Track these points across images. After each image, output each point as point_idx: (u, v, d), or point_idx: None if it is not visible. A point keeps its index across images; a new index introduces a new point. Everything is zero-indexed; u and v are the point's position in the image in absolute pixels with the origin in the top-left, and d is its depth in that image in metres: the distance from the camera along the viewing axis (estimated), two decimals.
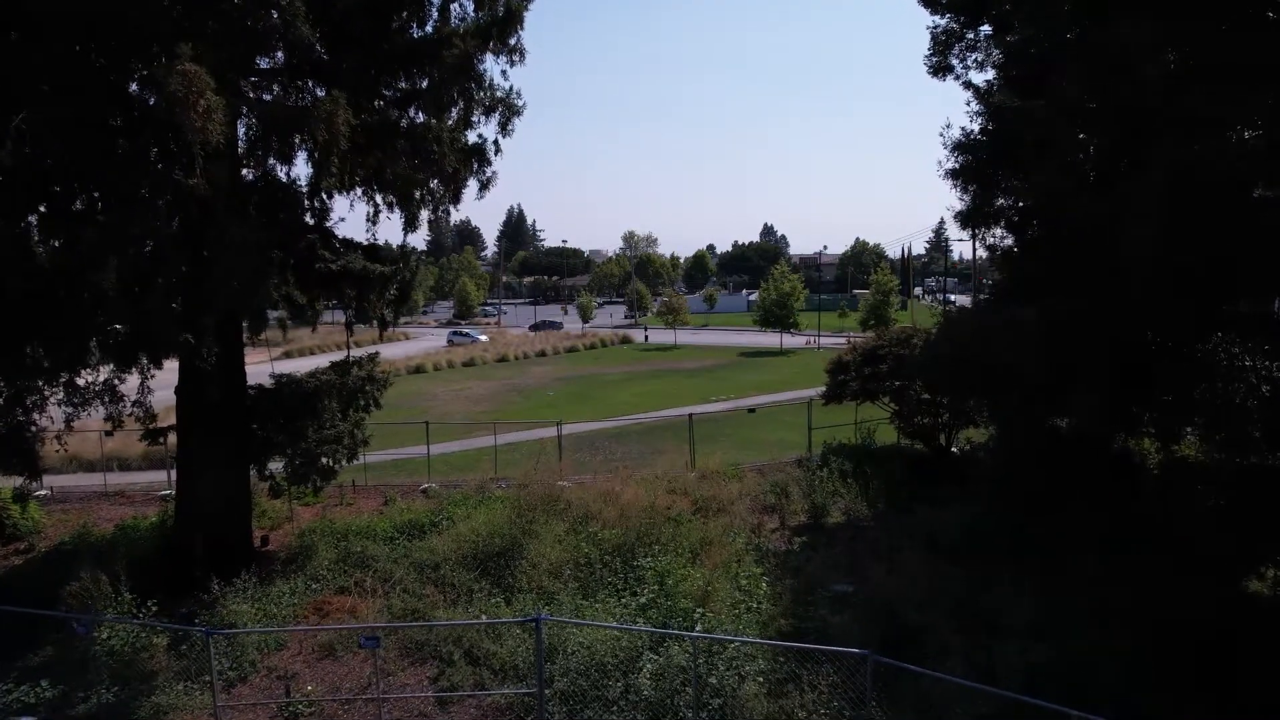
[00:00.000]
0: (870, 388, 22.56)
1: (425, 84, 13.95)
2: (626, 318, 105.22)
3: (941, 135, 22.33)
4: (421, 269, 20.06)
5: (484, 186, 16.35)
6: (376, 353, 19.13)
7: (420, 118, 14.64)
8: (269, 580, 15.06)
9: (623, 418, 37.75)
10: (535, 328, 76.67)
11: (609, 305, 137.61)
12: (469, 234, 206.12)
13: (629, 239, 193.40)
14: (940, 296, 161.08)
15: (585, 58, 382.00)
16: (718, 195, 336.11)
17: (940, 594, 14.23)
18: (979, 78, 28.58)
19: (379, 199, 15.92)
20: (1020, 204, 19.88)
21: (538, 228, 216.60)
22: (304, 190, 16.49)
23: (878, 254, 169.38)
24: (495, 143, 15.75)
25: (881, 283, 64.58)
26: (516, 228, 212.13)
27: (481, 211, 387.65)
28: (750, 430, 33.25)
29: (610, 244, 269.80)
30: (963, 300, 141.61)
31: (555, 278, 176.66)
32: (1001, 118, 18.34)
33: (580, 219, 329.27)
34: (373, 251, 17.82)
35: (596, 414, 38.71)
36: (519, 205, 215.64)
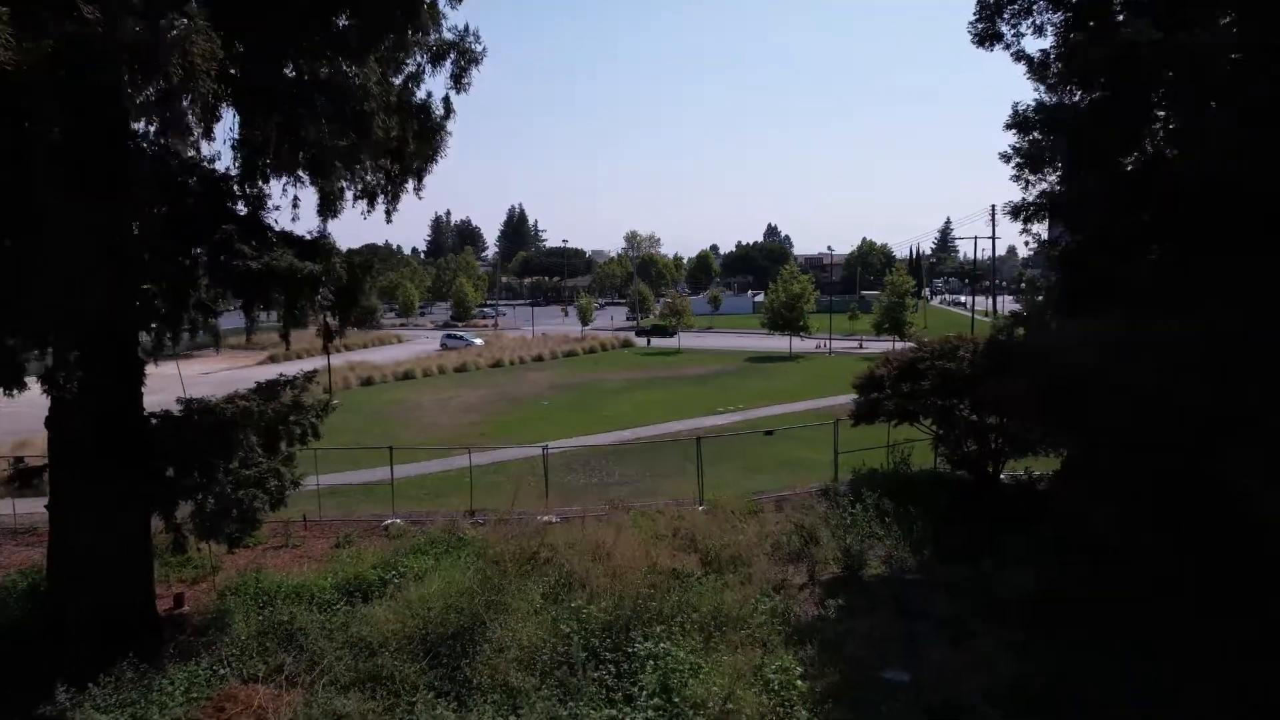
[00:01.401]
0: (909, 407, 19.25)
1: (346, 22, 10.69)
2: (628, 319, 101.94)
3: (1012, 116, 19.37)
4: (378, 268, 16.70)
5: (429, 158, 13.09)
6: (312, 372, 15.85)
7: (353, 71, 11.34)
8: (164, 664, 11.79)
9: (622, 431, 34.51)
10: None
11: (611, 306, 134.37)
12: (469, 234, 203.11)
13: (631, 239, 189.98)
14: (949, 297, 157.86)
15: (587, 58, 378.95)
16: (721, 195, 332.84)
17: (1029, 684, 11.00)
18: (1034, 45, 25.07)
19: (305, 176, 12.66)
20: (1100, 188, 16.67)
21: (539, 228, 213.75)
22: (217, 168, 13.30)
23: (885, 254, 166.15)
24: (446, 101, 12.47)
25: (896, 284, 61.24)
26: (518, 228, 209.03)
27: (482, 211, 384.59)
28: (764, 447, 29.93)
29: (612, 244, 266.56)
30: (968, 301, 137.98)
31: (556, 278, 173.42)
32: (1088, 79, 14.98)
33: (582, 219, 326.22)
34: (312, 248, 14.63)
35: (593, 426, 35.46)
36: (520, 205, 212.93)
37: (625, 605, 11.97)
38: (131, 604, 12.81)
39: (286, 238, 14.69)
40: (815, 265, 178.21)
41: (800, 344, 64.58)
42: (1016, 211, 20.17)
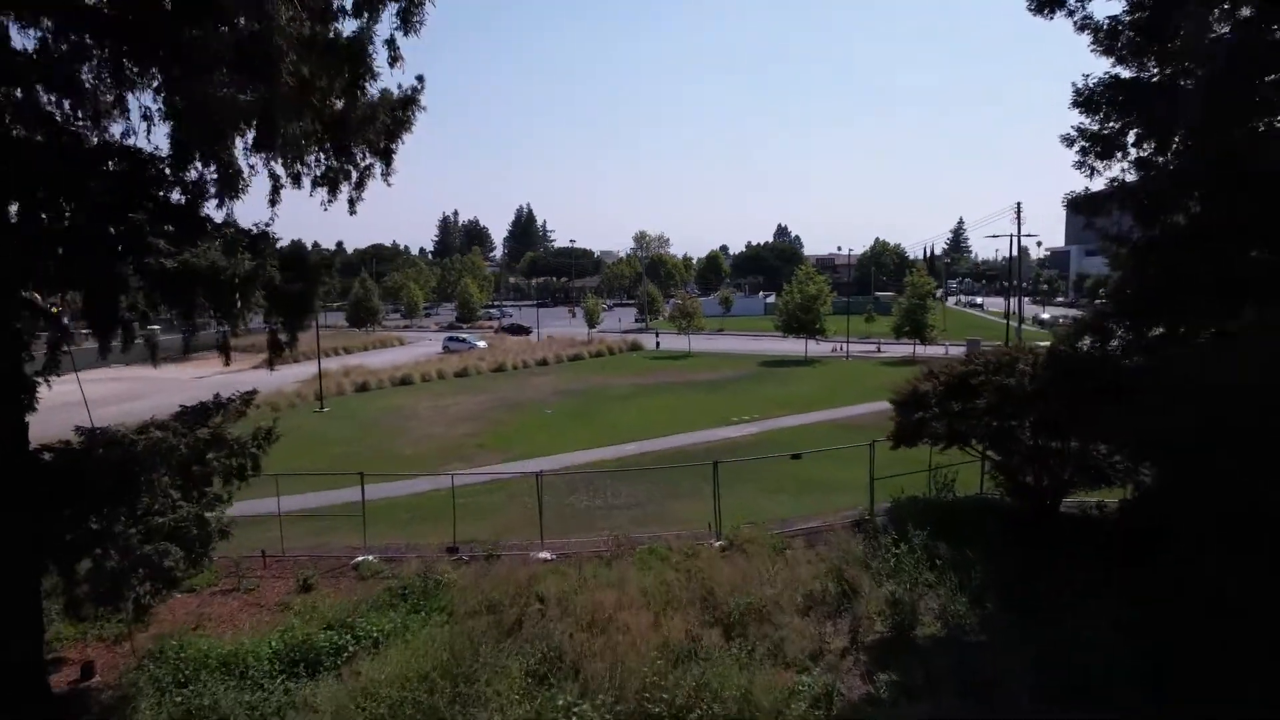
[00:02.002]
0: (959, 429, 16.60)
1: None
2: (637, 320, 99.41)
3: (1077, 94, 16.95)
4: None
5: (392, 134, 10.60)
6: (250, 394, 13.37)
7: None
8: None
9: (629, 444, 31.94)
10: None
11: (619, 308, 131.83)
12: (477, 234, 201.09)
13: (640, 239, 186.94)
14: (964, 298, 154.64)
15: (595, 57, 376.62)
16: (730, 196, 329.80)
17: None
18: (1102, 11, 22.40)
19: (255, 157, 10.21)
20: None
21: (548, 228, 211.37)
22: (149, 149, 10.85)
23: (898, 254, 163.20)
24: (391, 43, 9.94)
25: (917, 285, 58.40)
26: (526, 228, 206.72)
27: (491, 211, 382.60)
28: (786, 464, 27.28)
29: (621, 244, 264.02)
30: (987, 303, 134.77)
31: (564, 279, 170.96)
32: None
33: (591, 219, 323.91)
34: (258, 244, 12.20)
35: (598, 438, 32.89)
36: (528, 205, 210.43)
37: (628, 696, 9.38)
38: (12, 680, 10.31)
39: (240, 232, 12.33)
40: (827, 266, 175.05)
41: (815, 347, 61.88)
42: (1081, 204, 17.57)
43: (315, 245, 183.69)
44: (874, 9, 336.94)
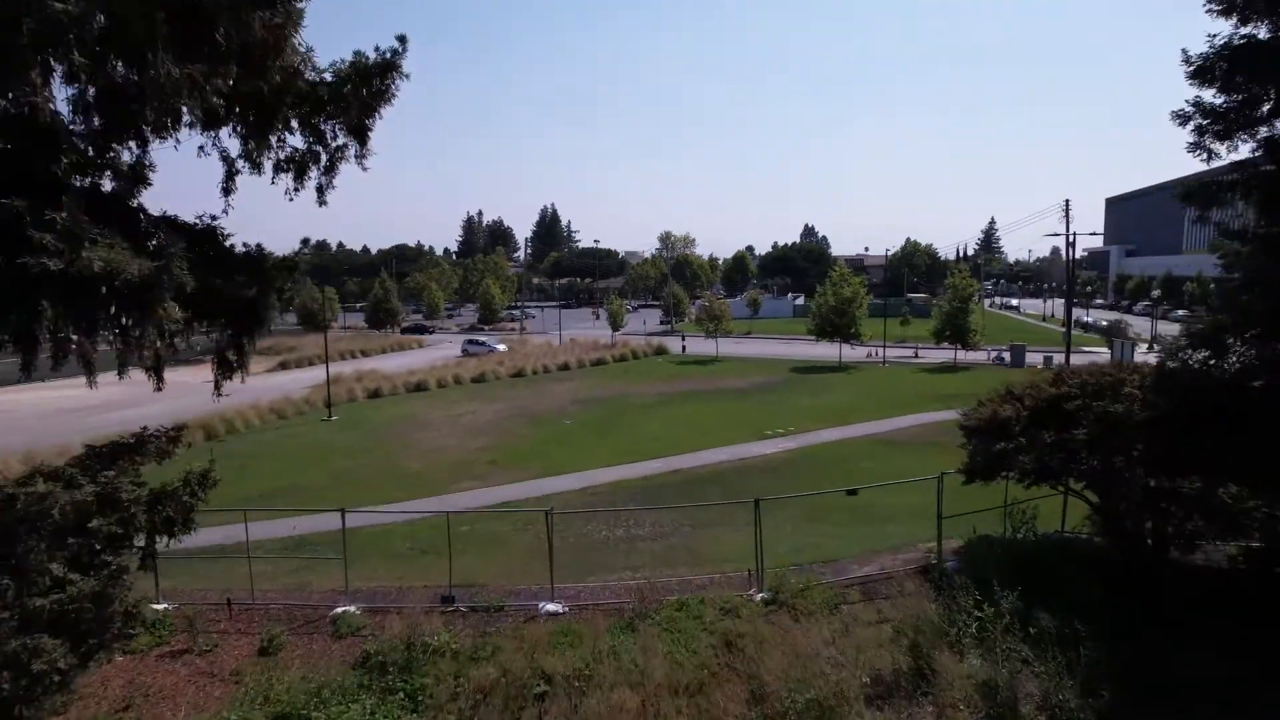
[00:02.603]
0: (1051, 464, 13.80)
1: None
2: (662, 323, 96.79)
3: (1190, 63, 14.18)
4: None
5: (367, 108, 8.19)
6: (178, 431, 10.99)
7: None
8: None
9: (654, 461, 29.32)
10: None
11: (644, 309, 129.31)
12: (501, 234, 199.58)
13: (665, 239, 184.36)
14: (999, 300, 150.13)
15: (618, 59, 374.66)
16: (756, 197, 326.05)
17: None
18: None
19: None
20: None
21: (572, 228, 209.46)
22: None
23: (930, 255, 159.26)
24: None
25: (959, 287, 55.12)
26: (550, 228, 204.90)
27: (516, 212, 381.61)
28: (830, 485, 24.53)
29: (646, 245, 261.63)
30: (1023, 304, 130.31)
31: (588, 280, 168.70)
32: None
33: (615, 220, 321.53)
34: (202, 242, 9.89)
35: (620, 453, 30.32)
36: (553, 205, 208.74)
37: None
38: None
39: (179, 227, 10.06)
40: (856, 266, 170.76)
41: (850, 352, 58.90)
42: (1195, 193, 14.68)
43: (341, 245, 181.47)
44: (897, 7, 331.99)
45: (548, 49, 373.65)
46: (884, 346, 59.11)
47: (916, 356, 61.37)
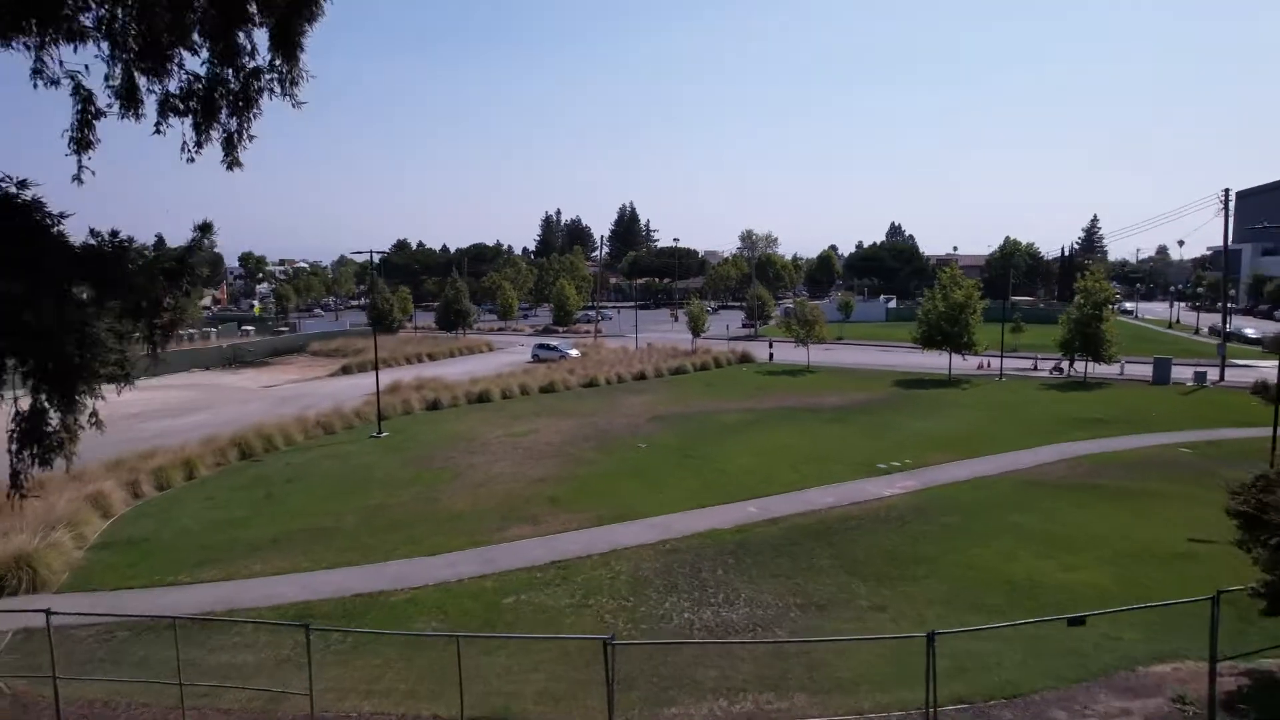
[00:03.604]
0: None
1: None
2: (744, 326, 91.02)
3: None
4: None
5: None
6: None
7: None
8: None
9: (747, 503, 24.21)
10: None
11: (725, 310, 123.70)
12: (579, 233, 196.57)
13: (746, 238, 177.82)
14: (1119, 307, 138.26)
15: (699, 58, 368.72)
16: (839, 194, 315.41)
17: None
18: None
19: None
20: None
21: (650, 227, 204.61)
22: None
23: (1031, 254, 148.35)
24: None
25: (1092, 291, 47.80)
26: (629, 227, 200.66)
27: (594, 210, 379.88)
28: (980, 553, 18.90)
29: (725, 244, 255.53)
30: (1141, 308, 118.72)
31: (667, 280, 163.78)
32: None
33: (694, 219, 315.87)
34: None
35: (704, 491, 25.28)
36: (631, 204, 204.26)
37: None
38: None
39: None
40: (945, 266, 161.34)
41: (958, 363, 52.25)
42: None
43: (420, 245, 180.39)
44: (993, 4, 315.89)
45: (630, 49, 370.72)
46: (1000, 357, 52.22)
47: (1035, 369, 54.28)
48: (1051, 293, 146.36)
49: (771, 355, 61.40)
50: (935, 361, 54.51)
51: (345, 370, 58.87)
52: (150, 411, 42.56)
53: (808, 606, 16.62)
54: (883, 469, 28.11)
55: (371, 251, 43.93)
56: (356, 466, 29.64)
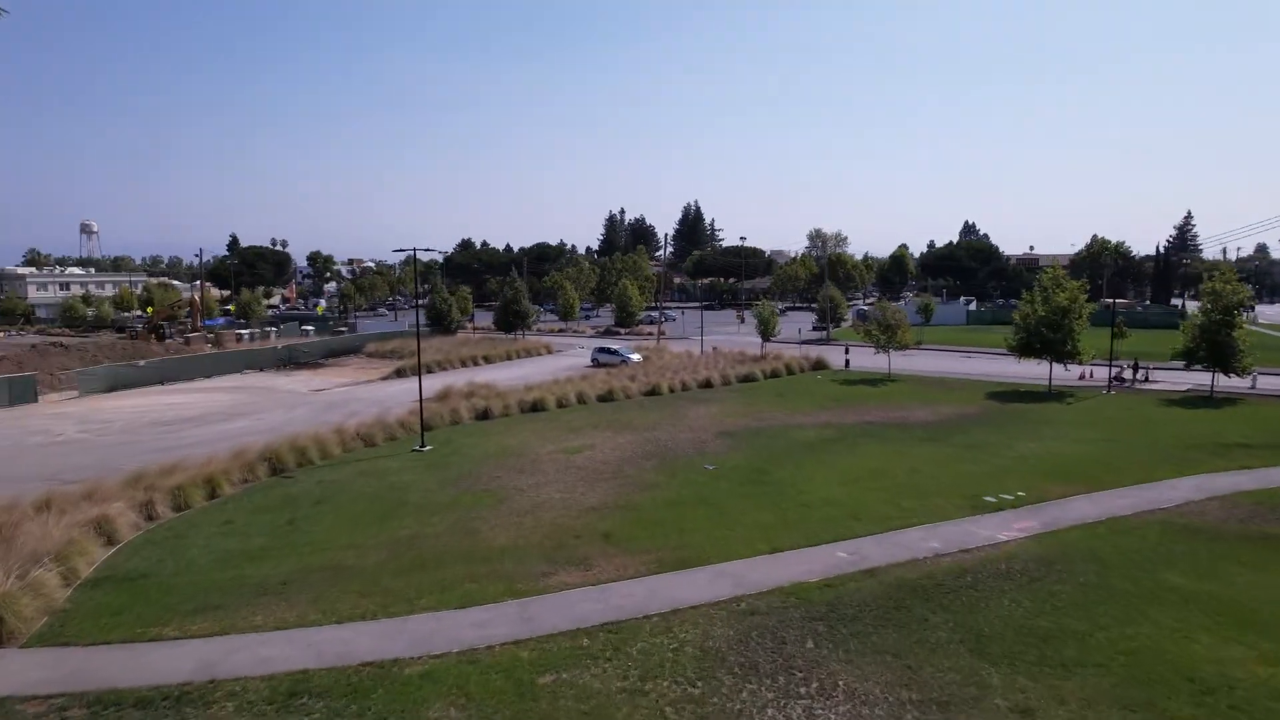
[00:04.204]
0: None
1: None
2: (815, 329, 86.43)
3: None
4: None
5: None
6: None
7: None
8: None
9: (833, 546, 20.42)
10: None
11: (793, 311, 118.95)
12: (643, 232, 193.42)
13: (815, 237, 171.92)
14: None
15: (761, 55, 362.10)
16: (909, 193, 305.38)
17: None
18: None
19: None
20: None
21: (715, 226, 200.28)
22: None
23: (1119, 253, 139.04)
24: None
25: (1222, 294, 42.29)
26: (693, 226, 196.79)
27: (658, 209, 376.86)
28: (1134, 616, 14.80)
29: (791, 243, 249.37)
30: (1260, 311, 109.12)
31: (732, 279, 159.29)
32: None
33: (760, 218, 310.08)
34: None
35: (782, 527, 21.56)
36: (696, 203, 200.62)
37: None
38: None
39: None
40: (1027, 267, 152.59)
41: (1057, 372, 47.10)
42: None
43: (485, 244, 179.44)
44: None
45: (690, 47, 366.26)
46: (1110, 367, 46.87)
47: (1146, 380, 48.73)
48: (1143, 294, 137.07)
49: (848, 362, 56.99)
50: (1028, 371, 49.51)
51: (399, 373, 56.71)
52: (193, 417, 40.80)
53: (926, 705, 12.85)
54: (992, 503, 23.95)
55: (414, 249, 41.20)
56: (392, 486, 26.79)
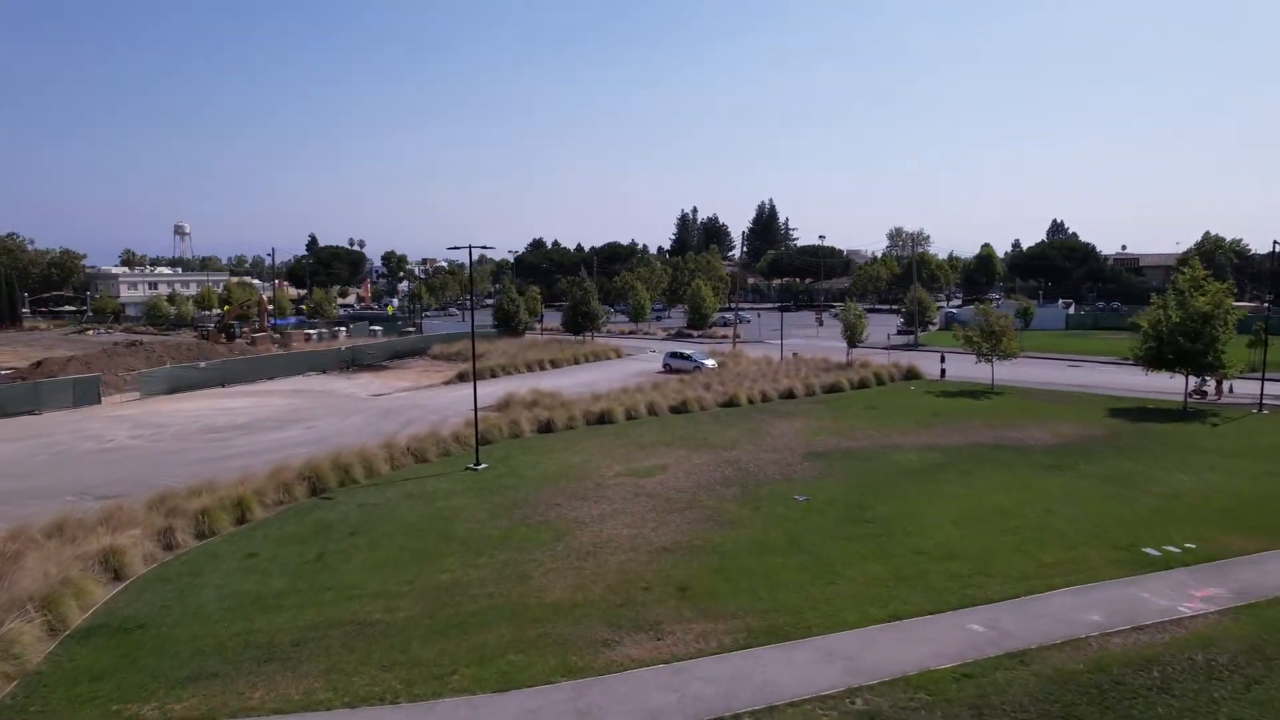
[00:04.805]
0: None
1: None
2: (901, 332, 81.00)
3: None
4: None
5: None
6: None
7: None
8: None
9: (964, 615, 16.36)
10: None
11: (873, 313, 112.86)
12: (715, 231, 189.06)
13: (895, 236, 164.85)
14: None
15: (837, 51, 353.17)
16: (990, 191, 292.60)
17: None
18: None
19: None
20: None
21: (790, 226, 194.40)
22: None
23: (1235, 252, 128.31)
24: None
25: None
26: (767, 225, 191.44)
27: (731, 208, 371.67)
28: None
29: (868, 243, 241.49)
30: None
31: (808, 280, 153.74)
32: None
33: (835, 217, 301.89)
34: None
35: (894, 583, 17.55)
36: (770, 201, 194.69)
37: None
38: None
39: None
40: (1126, 267, 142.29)
41: (1174, 383, 41.40)
42: None
43: (556, 244, 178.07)
44: None
45: (768, 43, 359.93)
46: (1262, 380, 40.89)
47: (1231, 392, 42.72)
48: (1260, 297, 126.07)
49: (943, 371, 52.00)
50: (1152, 383, 43.89)
51: (462, 377, 54.19)
52: (245, 423, 38.85)
53: None
54: (1156, 558, 19.44)
55: (470, 246, 38.42)
56: (439, 513, 23.75)
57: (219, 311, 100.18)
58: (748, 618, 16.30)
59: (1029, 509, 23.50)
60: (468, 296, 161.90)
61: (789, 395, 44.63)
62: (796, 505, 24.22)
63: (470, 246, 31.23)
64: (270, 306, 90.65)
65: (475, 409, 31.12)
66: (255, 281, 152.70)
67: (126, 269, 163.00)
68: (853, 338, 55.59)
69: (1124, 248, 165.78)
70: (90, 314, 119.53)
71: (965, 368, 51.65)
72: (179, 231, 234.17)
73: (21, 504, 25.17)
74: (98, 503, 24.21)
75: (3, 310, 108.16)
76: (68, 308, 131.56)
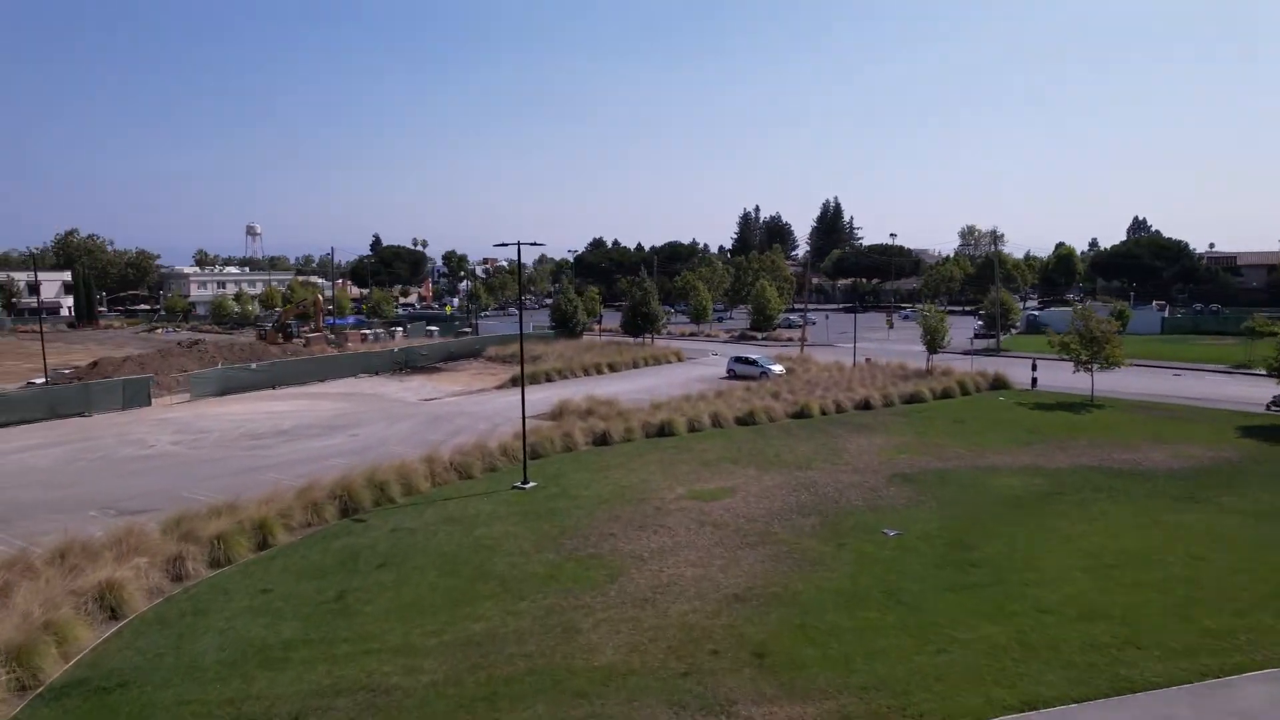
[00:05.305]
0: None
1: None
2: (979, 335, 76.03)
3: None
4: None
5: None
6: None
7: None
8: None
9: (1116, 705, 12.86)
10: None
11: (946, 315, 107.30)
12: (778, 230, 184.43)
13: (968, 234, 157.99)
14: None
15: (898, 47, 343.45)
16: (1067, 189, 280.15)
17: None
18: None
19: None
20: None
21: (855, 225, 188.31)
22: None
23: None
24: None
25: None
26: (832, 224, 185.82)
27: (794, 207, 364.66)
28: None
29: (937, 242, 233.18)
30: None
31: (875, 280, 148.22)
32: None
33: (901, 216, 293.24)
34: None
35: (1022, 662, 14.10)
36: (835, 199, 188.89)
37: None
38: None
39: None
40: (1223, 266, 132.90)
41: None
42: None
43: (616, 243, 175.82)
44: None
45: (830, 42, 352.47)
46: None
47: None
48: None
49: (1035, 380, 47.56)
50: (1267, 395, 38.91)
51: (515, 381, 51.89)
52: (289, 429, 37.06)
53: None
54: None
55: (519, 243, 35.99)
56: (478, 543, 21.11)
57: (279, 310, 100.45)
58: (841, 697, 13.17)
59: (1169, 554, 19.72)
60: (529, 296, 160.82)
61: (865, 406, 40.98)
62: (887, 541, 20.88)
63: (519, 243, 28.64)
64: (329, 307, 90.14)
65: (524, 421, 28.49)
66: (319, 281, 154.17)
67: (197, 269, 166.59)
68: (933, 343, 51.39)
69: (1212, 245, 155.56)
70: (162, 313, 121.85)
71: (1058, 376, 47.20)
72: (251, 232, 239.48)
73: (42, 518, 23.53)
74: (121, 518, 22.44)
75: (81, 309, 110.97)
76: (142, 306, 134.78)
